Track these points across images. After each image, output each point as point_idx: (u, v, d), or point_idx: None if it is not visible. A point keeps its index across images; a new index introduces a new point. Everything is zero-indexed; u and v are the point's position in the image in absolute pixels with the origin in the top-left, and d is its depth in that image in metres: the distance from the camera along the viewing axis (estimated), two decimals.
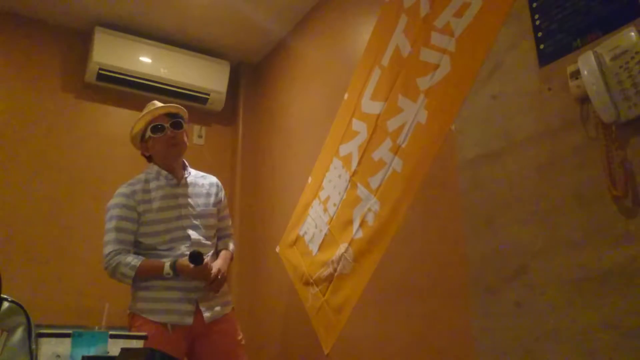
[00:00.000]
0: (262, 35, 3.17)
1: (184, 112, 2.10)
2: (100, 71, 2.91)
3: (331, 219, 2.26)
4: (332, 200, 2.29)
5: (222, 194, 2.20)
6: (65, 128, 2.92)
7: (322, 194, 2.38)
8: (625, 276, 1.15)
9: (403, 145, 1.91)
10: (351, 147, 2.22)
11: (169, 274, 1.88)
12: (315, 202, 2.42)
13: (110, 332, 2.23)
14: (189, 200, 2.04)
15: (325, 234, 2.28)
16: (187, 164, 2.14)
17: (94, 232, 2.82)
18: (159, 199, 1.99)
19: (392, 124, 1.99)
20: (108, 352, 2.17)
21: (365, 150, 2.12)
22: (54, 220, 2.75)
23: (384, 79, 2.10)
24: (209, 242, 2.04)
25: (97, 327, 2.29)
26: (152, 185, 2.02)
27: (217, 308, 1.98)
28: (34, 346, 1.52)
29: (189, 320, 1.90)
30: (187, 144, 2.11)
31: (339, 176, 2.27)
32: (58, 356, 2.18)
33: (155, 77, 3.04)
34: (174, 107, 2.07)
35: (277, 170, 2.83)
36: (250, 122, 3.39)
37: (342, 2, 2.57)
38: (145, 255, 1.95)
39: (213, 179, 2.20)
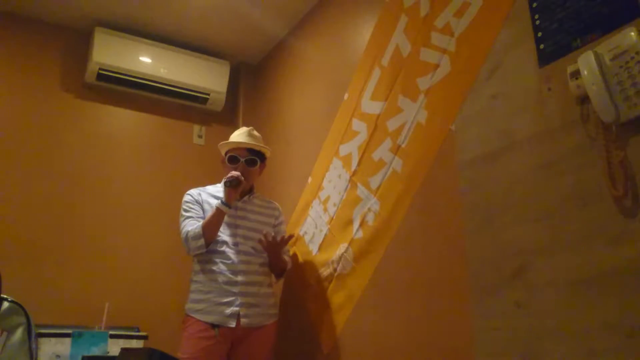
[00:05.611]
0: (262, 35, 3.17)
1: (266, 150, 2.27)
2: (100, 71, 2.91)
3: (331, 219, 2.26)
4: (332, 200, 2.29)
5: (281, 219, 2.36)
6: (65, 128, 2.92)
7: (322, 194, 2.38)
8: (626, 276, 1.15)
9: (403, 145, 1.91)
10: (351, 147, 2.22)
11: (222, 207, 2.05)
12: (315, 202, 2.42)
13: (110, 332, 2.24)
14: (246, 214, 2.22)
15: (325, 234, 2.28)
16: (254, 188, 2.33)
17: (94, 232, 2.84)
18: None
19: (392, 124, 1.99)
20: (108, 352, 2.18)
21: (365, 150, 2.12)
22: (54, 220, 2.75)
23: (384, 79, 2.10)
24: (256, 253, 2.17)
25: (97, 327, 2.30)
26: (219, 196, 2.18)
27: (258, 317, 2.08)
28: (34, 346, 1.52)
29: (232, 322, 2.01)
30: (259, 175, 2.30)
31: (339, 176, 2.27)
32: (58, 356, 2.18)
33: (155, 77, 3.04)
34: (258, 146, 2.22)
35: (277, 170, 2.82)
36: (250, 122, 3.36)
37: (342, 2, 2.57)
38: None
39: (276, 205, 2.38)
